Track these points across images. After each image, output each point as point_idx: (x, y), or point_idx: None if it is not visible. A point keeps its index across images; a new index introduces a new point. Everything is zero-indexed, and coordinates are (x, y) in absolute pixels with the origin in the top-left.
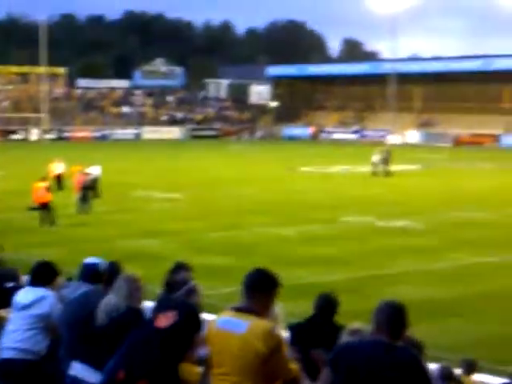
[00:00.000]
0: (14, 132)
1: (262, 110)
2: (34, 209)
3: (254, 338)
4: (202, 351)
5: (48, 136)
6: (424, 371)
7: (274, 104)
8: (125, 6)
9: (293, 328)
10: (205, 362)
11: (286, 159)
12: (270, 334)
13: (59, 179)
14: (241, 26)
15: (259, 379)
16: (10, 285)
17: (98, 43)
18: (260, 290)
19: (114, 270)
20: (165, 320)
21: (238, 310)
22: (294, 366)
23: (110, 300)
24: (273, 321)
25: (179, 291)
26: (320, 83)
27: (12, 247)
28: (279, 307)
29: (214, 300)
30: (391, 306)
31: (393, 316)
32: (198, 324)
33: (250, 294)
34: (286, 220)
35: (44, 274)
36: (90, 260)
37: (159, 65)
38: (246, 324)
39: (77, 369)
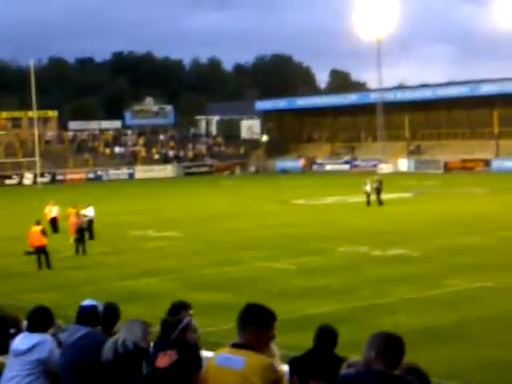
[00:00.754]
0: (8, 177)
1: (253, 144)
2: (30, 253)
3: (252, 374)
4: None
5: (41, 179)
6: None
7: (264, 138)
8: (113, 47)
9: (293, 361)
10: None
11: (279, 192)
12: (268, 369)
13: (54, 222)
14: (228, 62)
15: None
16: (12, 331)
17: (87, 85)
18: (253, 323)
19: (111, 312)
20: (164, 360)
21: (235, 345)
22: None
23: (118, 338)
24: (270, 355)
25: (177, 330)
26: (309, 115)
27: (10, 293)
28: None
29: (215, 337)
30: (388, 335)
31: (390, 345)
32: (197, 362)
33: (244, 328)
34: (282, 253)
35: (41, 319)
36: (86, 302)
37: (149, 104)
38: (243, 360)
39: None
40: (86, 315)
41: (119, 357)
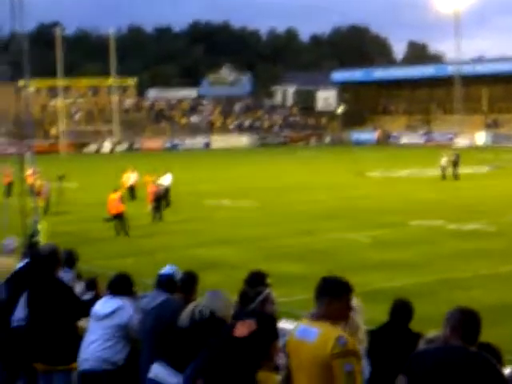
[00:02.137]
0: (87, 144)
1: (328, 115)
2: (108, 220)
3: (321, 346)
4: (281, 359)
5: (119, 147)
6: (499, 376)
7: (340, 109)
8: (191, 16)
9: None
10: (284, 370)
11: (354, 164)
12: (335, 341)
13: (132, 190)
14: (305, 33)
15: None
16: (89, 296)
17: (165, 54)
18: (327, 294)
19: (190, 280)
20: (242, 329)
21: (312, 317)
22: (360, 379)
23: (197, 305)
24: (353, 328)
25: (255, 301)
26: (386, 87)
27: (88, 258)
28: (360, 315)
29: (289, 307)
30: (465, 311)
31: (467, 321)
32: (274, 333)
33: (320, 300)
34: (356, 225)
35: (122, 285)
36: (165, 270)
37: (226, 73)
38: (316, 332)
39: (156, 371)
40: (164, 282)
41: (195, 323)
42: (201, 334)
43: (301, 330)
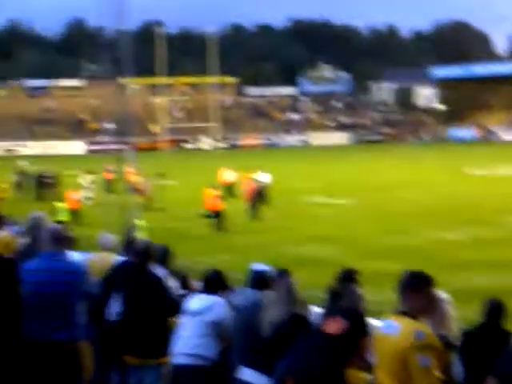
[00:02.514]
0: (186, 141)
1: (428, 112)
2: (207, 216)
3: (403, 341)
4: (373, 357)
5: (219, 144)
6: None
7: (440, 106)
8: (291, 14)
9: (465, 335)
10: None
11: (453, 162)
12: (412, 336)
13: (230, 187)
14: (406, 29)
15: (406, 382)
16: (182, 292)
17: (265, 51)
18: (408, 289)
19: (281, 277)
20: (334, 326)
21: (397, 313)
22: (429, 380)
23: (274, 310)
24: (438, 319)
25: (346, 298)
26: (487, 83)
27: (184, 255)
28: (447, 305)
29: (382, 306)
30: None
31: None
32: (364, 330)
33: (403, 295)
34: (454, 224)
35: (216, 282)
36: (258, 267)
37: (325, 70)
38: (399, 327)
39: (246, 374)
40: (257, 279)
41: (278, 332)
42: (284, 337)
43: (385, 326)
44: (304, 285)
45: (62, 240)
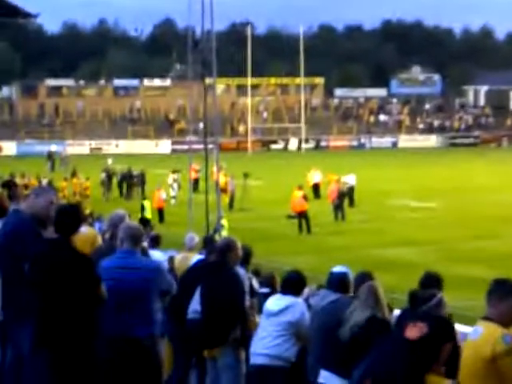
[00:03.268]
0: (274, 142)
1: None
2: (291, 217)
3: (483, 345)
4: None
5: (306, 145)
6: None
7: None
8: (383, 14)
9: None
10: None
11: None
12: (499, 340)
13: (316, 188)
14: (501, 31)
15: None
16: (266, 290)
17: (355, 53)
18: (496, 297)
19: (364, 280)
20: (415, 331)
21: (483, 318)
22: None
23: (352, 314)
24: None
25: (427, 303)
26: None
27: (269, 254)
28: None
29: (471, 312)
30: None
31: None
32: (447, 336)
33: (489, 302)
34: None
35: (295, 283)
36: (337, 269)
37: (416, 72)
38: (481, 330)
39: (325, 377)
40: (336, 282)
41: (354, 336)
42: (363, 342)
43: (472, 331)
44: (389, 288)
45: (138, 238)
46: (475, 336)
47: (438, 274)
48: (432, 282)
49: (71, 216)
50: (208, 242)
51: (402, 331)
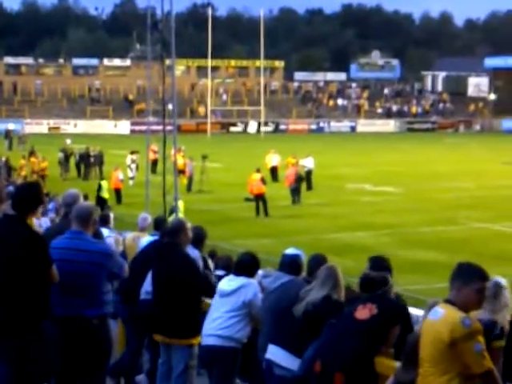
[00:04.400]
0: (233, 124)
1: (479, 102)
2: (249, 200)
3: (442, 326)
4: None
5: (265, 128)
6: None
7: (492, 96)
8: None
9: None
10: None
11: (504, 153)
12: (458, 323)
13: (274, 171)
14: (460, 17)
15: (445, 368)
16: (221, 273)
17: (315, 36)
18: (458, 280)
19: (317, 263)
20: (364, 312)
21: (445, 301)
22: (486, 361)
23: (308, 293)
24: (498, 308)
25: (382, 286)
26: None
27: (227, 237)
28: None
29: (423, 295)
30: None
31: None
32: (396, 319)
33: (451, 284)
34: (500, 215)
35: (248, 265)
36: (290, 251)
37: (375, 57)
38: (441, 313)
39: (273, 352)
40: (288, 263)
41: (308, 313)
42: (315, 320)
43: (432, 312)
44: (345, 271)
45: (87, 219)
46: (435, 317)
47: (385, 257)
48: (382, 265)
49: (30, 194)
50: (159, 224)
51: (352, 313)
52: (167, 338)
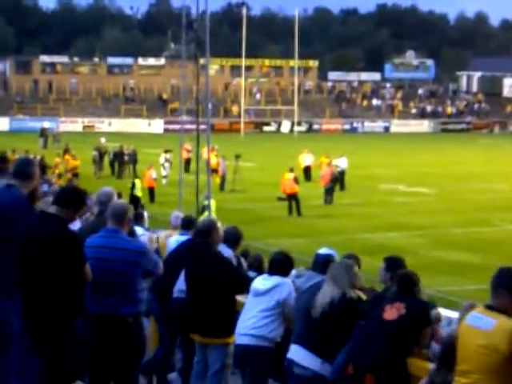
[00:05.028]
0: (267, 124)
1: None
2: (282, 199)
3: (499, 337)
4: (436, 347)
5: (298, 128)
6: None
7: None
8: None
9: None
10: (438, 358)
11: None
12: None
13: (307, 171)
14: (496, 17)
15: (500, 378)
16: (252, 275)
17: (349, 36)
18: (502, 287)
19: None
20: (392, 313)
21: (488, 307)
22: None
23: (325, 293)
24: None
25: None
26: None
27: (259, 236)
28: None
29: (457, 296)
30: None
31: None
32: (425, 320)
33: (497, 292)
34: None
35: (282, 264)
36: (323, 250)
37: (410, 57)
38: (494, 322)
39: (294, 352)
40: (321, 263)
41: (325, 314)
42: (334, 320)
43: (474, 318)
44: (377, 271)
45: (123, 217)
46: (488, 327)
47: (401, 258)
48: (397, 265)
49: (75, 195)
50: (188, 223)
51: (381, 313)
52: (204, 338)
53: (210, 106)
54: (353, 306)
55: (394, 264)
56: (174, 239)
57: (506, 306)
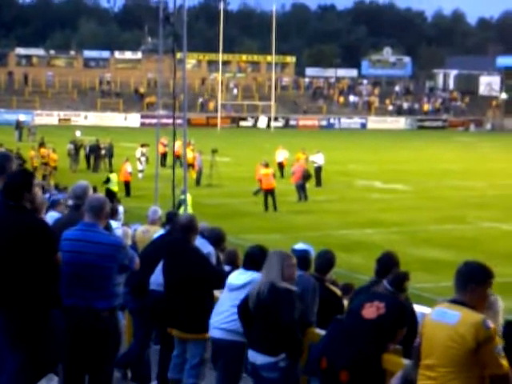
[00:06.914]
0: (243, 119)
1: (490, 101)
2: (257, 192)
3: (464, 330)
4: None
5: (275, 123)
6: None
7: (503, 95)
8: None
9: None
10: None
11: None
12: (481, 326)
13: (282, 166)
14: (472, 16)
15: (466, 372)
16: (227, 268)
17: (327, 32)
18: (472, 281)
19: (324, 259)
20: (372, 311)
21: (452, 301)
22: (505, 363)
23: (255, 286)
24: (492, 314)
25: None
26: None
27: (235, 231)
28: (499, 301)
29: (431, 293)
30: None
31: None
32: (402, 321)
33: (463, 286)
34: (510, 214)
35: (257, 258)
36: (299, 246)
37: (387, 54)
38: (458, 315)
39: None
40: (297, 259)
41: (258, 305)
42: (266, 311)
43: (438, 313)
44: (353, 268)
45: (100, 211)
46: (453, 320)
47: (396, 255)
48: (391, 263)
49: (21, 181)
50: (171, 218)
51: (359, 310)
52: (183, 333)
53: (184, 100)
54: (281, 296)
55: (387, 263)
56: (158, 234)
57: (476, 301)
